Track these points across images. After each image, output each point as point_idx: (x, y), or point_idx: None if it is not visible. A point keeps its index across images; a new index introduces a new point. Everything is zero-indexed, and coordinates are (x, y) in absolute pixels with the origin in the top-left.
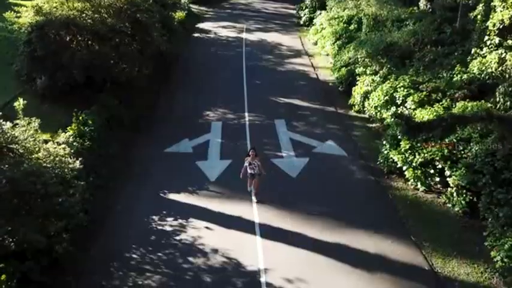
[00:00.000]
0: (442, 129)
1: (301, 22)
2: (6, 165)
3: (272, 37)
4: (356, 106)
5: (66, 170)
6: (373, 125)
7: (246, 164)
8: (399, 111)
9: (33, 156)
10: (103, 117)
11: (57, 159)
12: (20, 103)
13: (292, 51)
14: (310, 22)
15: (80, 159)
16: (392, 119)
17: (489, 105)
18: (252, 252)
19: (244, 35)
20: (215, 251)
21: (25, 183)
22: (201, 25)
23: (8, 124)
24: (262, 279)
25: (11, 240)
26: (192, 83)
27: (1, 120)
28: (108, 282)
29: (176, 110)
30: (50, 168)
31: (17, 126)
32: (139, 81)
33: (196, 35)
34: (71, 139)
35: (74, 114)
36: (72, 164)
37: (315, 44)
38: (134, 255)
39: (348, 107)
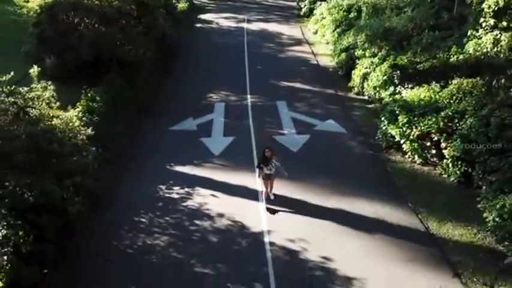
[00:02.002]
0: (435, 76)
1: (302, 13)
2: (24, 126)
3: (273, 27)
4: (355, 88)
5: (78, 136)
6: (372, 105)
7: (258, 170)
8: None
9: (47, 123)
10: (110, 95)
11: (70, 124)
12: (35, 70)
13: (292, 40)
14: (310, 13)
15: (90, 127)
16: (391, 98)
17: (478, 53)
18: (255, 216)
19: (245, 25)
20: (221, 215)
21: (42, 140)
22: (203, 16)
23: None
24: (266, 239)
25: (29, 194)
26: (195, 69)
27: (18, 87)
28: (119, 242)
29: (180, 93)
30: (63, 133)
31: (33, 90)
32: (144, 63)
33: (198, 25)
34: (80, 114)
35: (83, 91)
36: (84, 130)
37: (315, 33)
38: (143, 219)
39: (347, 90)
